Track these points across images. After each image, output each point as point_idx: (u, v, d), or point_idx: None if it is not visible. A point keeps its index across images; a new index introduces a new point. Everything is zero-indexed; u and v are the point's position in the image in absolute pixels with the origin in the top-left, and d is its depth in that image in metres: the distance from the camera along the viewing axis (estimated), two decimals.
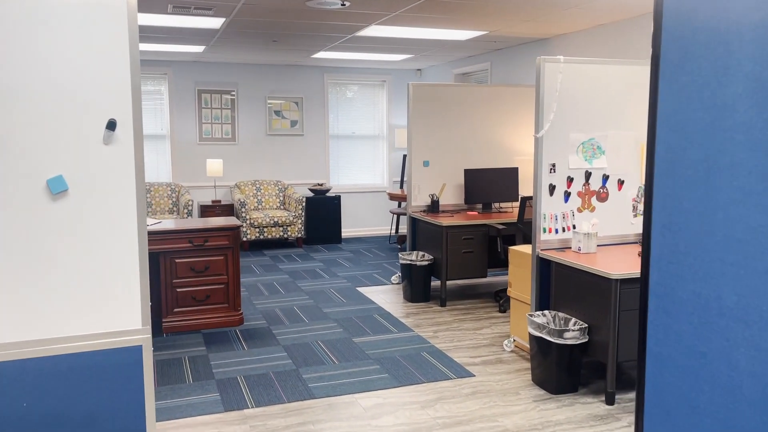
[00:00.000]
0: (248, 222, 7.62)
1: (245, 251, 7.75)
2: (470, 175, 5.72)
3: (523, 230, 4.99)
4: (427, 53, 7.31)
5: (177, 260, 4.51)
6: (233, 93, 8.19)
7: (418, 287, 5.39)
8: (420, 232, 5.66)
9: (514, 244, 5.30)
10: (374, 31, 5.70)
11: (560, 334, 3.42)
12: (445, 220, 5.23)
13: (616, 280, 3.27)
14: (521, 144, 6.12)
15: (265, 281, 6.20)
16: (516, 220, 5.19)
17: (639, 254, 3.73)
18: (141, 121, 2.00)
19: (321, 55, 7.34)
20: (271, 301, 5.45)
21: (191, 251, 4.53)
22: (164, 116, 8.00)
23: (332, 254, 7.57)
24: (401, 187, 9.01)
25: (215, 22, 5.30)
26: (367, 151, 8.99)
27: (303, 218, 7.99)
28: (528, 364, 3.94)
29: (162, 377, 3.75)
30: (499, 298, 5.46)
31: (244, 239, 7.67)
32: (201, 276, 4.57)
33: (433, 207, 5.73)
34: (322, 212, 8.19)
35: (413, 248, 5.83)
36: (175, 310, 4.54)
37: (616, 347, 3.32)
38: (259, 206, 8.16)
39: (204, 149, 8.16)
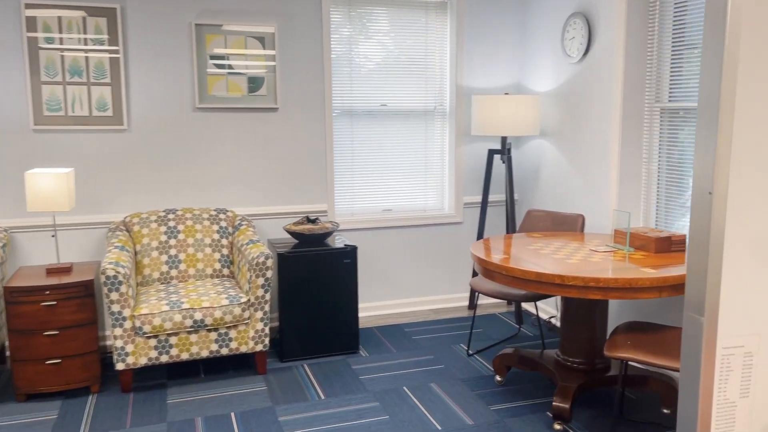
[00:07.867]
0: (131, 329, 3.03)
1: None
2: None
3: None
4: None
5: None
6: (113, 13, 3.61)
7: None
8: None
9: None
10: None
11: None
12: None
13: None
14: None
15: None
16: None
17: None
18: None
19: None
20: None
21: None
22: None
23: (325, 405, 2.93)
24: (481, 230, 4.38)
25: None
26: (411, 144, 4.34)
27: (269, 300, 3.36)
28: None
29: None
30: None
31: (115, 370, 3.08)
32: None
33: None
34: (315, 280, 3.56)
35: None
36: None
37: None
38: (171, 274, 3.55)
39: (48, 140, 3.61)
